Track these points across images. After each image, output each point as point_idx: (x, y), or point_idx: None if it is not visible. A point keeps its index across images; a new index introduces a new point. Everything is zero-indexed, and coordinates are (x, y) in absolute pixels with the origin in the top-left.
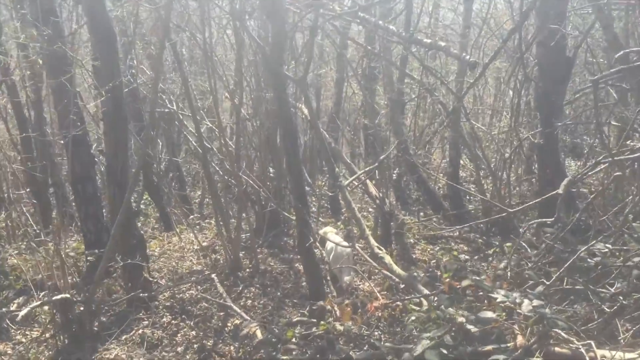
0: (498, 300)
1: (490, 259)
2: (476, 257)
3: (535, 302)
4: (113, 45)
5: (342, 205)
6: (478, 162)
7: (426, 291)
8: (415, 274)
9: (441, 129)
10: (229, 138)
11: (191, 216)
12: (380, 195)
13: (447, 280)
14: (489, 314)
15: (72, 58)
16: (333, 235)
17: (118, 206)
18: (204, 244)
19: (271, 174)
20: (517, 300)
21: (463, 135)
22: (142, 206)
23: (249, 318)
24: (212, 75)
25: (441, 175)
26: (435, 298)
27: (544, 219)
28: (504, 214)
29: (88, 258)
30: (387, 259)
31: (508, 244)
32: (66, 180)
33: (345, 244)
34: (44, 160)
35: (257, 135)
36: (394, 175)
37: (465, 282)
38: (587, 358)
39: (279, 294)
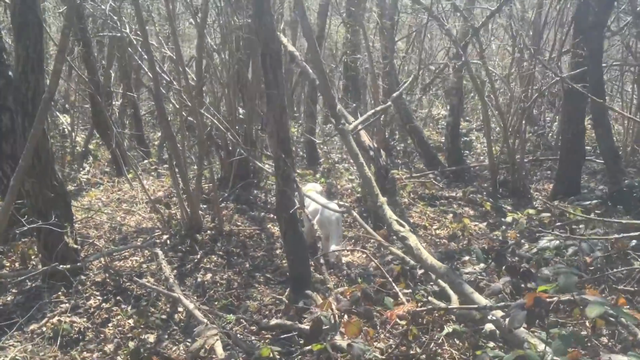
0: None
1: (504, 227)
2: (485, 224)
3: None
4: None
5: (322, 155)
6: (487, 111)
7: (481, 298)
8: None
9: (450, 70)
10: (193, 71)
11: (145, 160)
12: (375, 146)
13: (536, 292)
14: None
15: None
16: (316, 195)
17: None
18: (159, 193)
19: (241, 115)
20: None
21: (474, 78)
22: (90, 146)
23: (204, 319)
24: None
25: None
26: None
27: None
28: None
29: None
30: (412, 239)
31: (531, 210)
32: None
33: (335, 206)
34: None
35: (225, 69)
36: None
37: (594, 311)
38: None
39: (247, 265)
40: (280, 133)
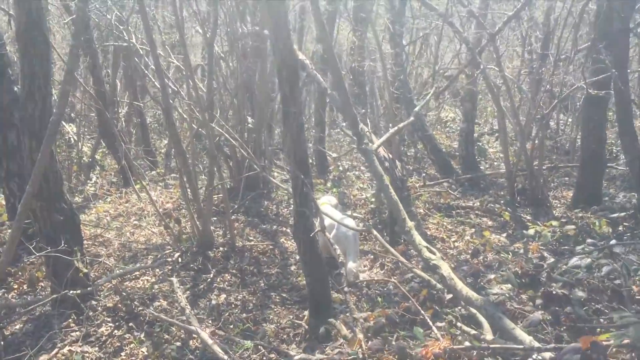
0: None
1: (526, 239)
2: (504, 235)
3: None
4: None
5: (331, 162)
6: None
7: (524, 335)
8: (492, 298)
9: (463, 76)
10: (200, 80)
11: (153, 171)
12: (390, 157)
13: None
14: None
15: None
16: (332, 210)
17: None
18: (168, 205)
19: (249, 124)
20: None
21: (490, 84)
22: (97, 156)
23: (224, 355)
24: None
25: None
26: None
27: None
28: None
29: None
30: (445, 267)
31: (554, 222)
32: None
33: (351, 222)
34: None
35: (233, 78)
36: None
37: None
38: None
39: (262, 283)
40: (298, 152)
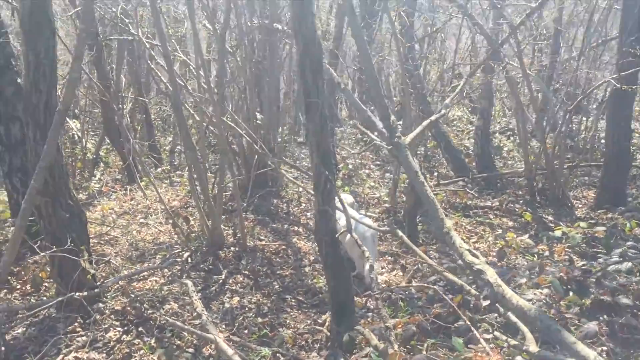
0: None
1: (548, 242)
2: (527, 237)
3: None
4: None
5: (339, 160)
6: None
7: (588, 351)
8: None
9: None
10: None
11: (159, 168)
12: None
13: None
14: None
15: None
16: (349, 208)
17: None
18: (175, 202)
19: (258, 121)
20: None
21: (511, 80)
22: (101, 153)
23: None
24: None
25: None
26: None
27: None
28: None
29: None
30: (490, 273)
31: (583, 223)
32: None
33: (369, 221)
34: None
35: (242, 72)
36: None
37: None
38: None
39: (276, 286)
40: (322, 145)
